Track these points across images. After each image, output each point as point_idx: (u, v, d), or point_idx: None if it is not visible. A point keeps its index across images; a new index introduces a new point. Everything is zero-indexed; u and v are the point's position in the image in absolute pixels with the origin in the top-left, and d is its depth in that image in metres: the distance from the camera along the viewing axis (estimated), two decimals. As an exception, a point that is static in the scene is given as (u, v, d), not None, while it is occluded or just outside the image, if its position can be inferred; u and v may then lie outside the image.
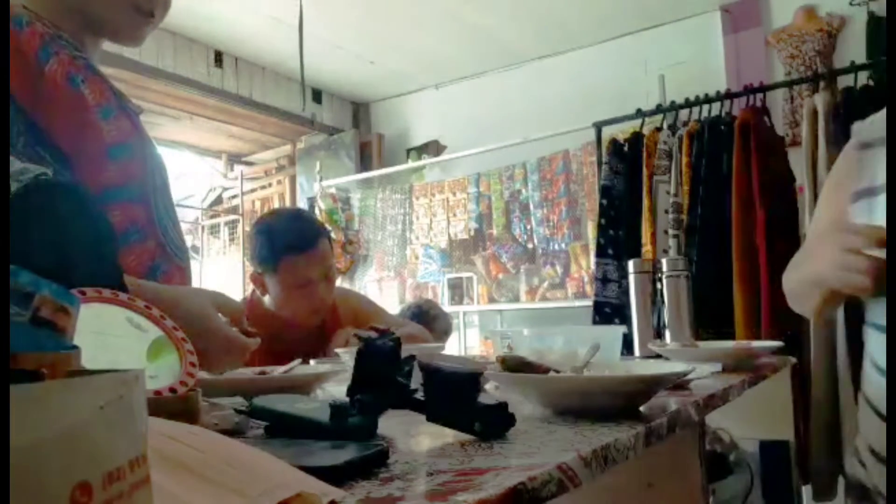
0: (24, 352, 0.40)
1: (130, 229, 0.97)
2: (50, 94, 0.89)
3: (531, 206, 4.03)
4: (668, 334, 1.65)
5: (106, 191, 0.94)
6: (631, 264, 1.79)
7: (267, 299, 1.56)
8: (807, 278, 1.06)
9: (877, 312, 1.02)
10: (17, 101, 0.86)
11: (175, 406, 0.59)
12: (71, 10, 1.01)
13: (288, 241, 1.52)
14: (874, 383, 1.04)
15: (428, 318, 2.67)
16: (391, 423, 0.73)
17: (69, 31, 0.98)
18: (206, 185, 5.62)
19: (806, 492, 2.11)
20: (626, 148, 2.64)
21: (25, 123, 0.87)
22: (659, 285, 1.70)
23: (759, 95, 2.50)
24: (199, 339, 0.68)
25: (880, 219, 0.99)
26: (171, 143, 4.82)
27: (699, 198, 2.37)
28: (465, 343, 4.16)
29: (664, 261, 1.72)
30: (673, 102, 2.68)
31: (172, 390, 0.61)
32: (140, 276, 0.93)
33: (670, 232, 2.42)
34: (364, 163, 4.83)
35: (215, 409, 0.74)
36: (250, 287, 1.72)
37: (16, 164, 0.63)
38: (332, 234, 3.17)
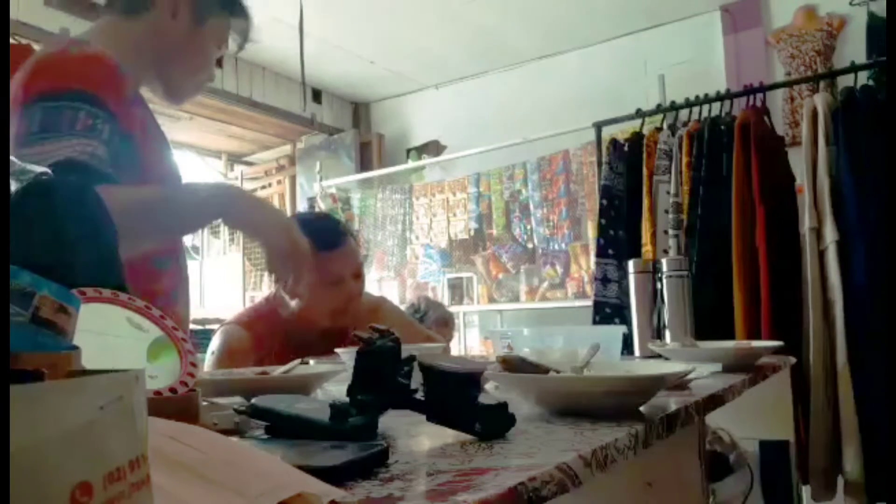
0: (24, 352, 0.40)
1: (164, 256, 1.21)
2: (130, 120, 1.12)
3: (531, 206, 4.03)
4: (668, 334, 1.65)
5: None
6: (631, 264, 1.79)
7: (294, 302, 1.56)
8: None
9: None
10: (109, 108, 1.06)
11: (175, 406, 0.59)
12: (147, 67, 1.22)
13: (316, 239, 1.52)
14: None
15: (420, 312, 2.69)
16: (391, 423, 0.73)
17: (144, 80, 1.23)
18: (206, 186, 5.60)
19: (806, 492, 2.11)
20: (626, 148, 2.64)
21: (112, 123, 1.05)
22: (659, 285, 1.70)
23: (759, 95, 2.50)
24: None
25: None
26: (171, 143, 4.81)
27: (699, 198, 2.37)
28: (465, 343, 4.16)
29: (664, 261, 1.72)
30: (673, 102, 2.68)
31: (172, 390, 0.61)
32: (175, 285, 1.20)
33: (670, 232, 2.42)
34: (364, 163, 4.83)
35: (215, 409, 0.74)
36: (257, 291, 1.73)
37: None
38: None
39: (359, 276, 1.57)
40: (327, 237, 1.53)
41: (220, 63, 1.34)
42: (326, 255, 1.50)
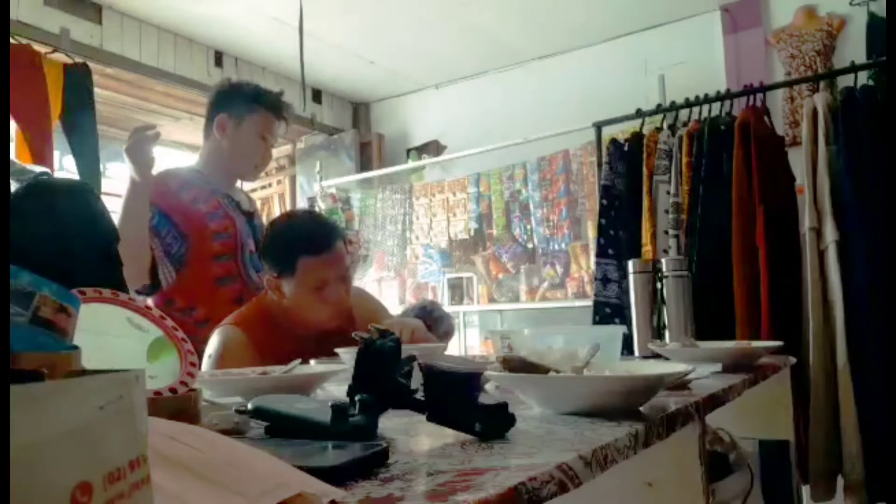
0: (24, 352, 0.40)
1: (226, 277, 1.75)
2: (182, 209, 1.74)
3: (531, 206, 4.03)
4: (667, 334, 1.65)
5: (213, 256, 1.76)
6: (631, 264, 1.79)
7: (284, 302, 1.55)
8: None
9: None
10: (161, 209, 1.70)
11: (175, 406, 0.59)
12: (219, 165, 1.90)
13: (305, 242, 1.52)
14: None
15: (431, 318, 2.67)
16: (391, 423, 0.73)
17: (216, 176, 1.88)
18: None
19: (806, 492, 2.11)
20: (626, 148, 2.64)
21: (163, 217, 1.70)
22: (659, 285, 1.70)
23: (759, 95, 2.50)
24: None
25: None
26: (171, 143, 4.81)
27: (699, 198, 2.37)
28: (465, 343, 4.15)
29: (664, 261, 1.72)
30: (673, 102, 2.68)
31: (172, 390, 0.61)
32: (229, 304, 1.70)
33: (670, 232, 2.42)
34: (364, 163, 4.83)
35: (215, 409, 0.74)
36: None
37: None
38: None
39: (344, 280, 1.56)
40: (315, 241, 1.52)
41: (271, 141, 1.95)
42: (311, 259, 1.50)
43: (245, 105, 1.89)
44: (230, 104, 1.90)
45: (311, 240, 1.53)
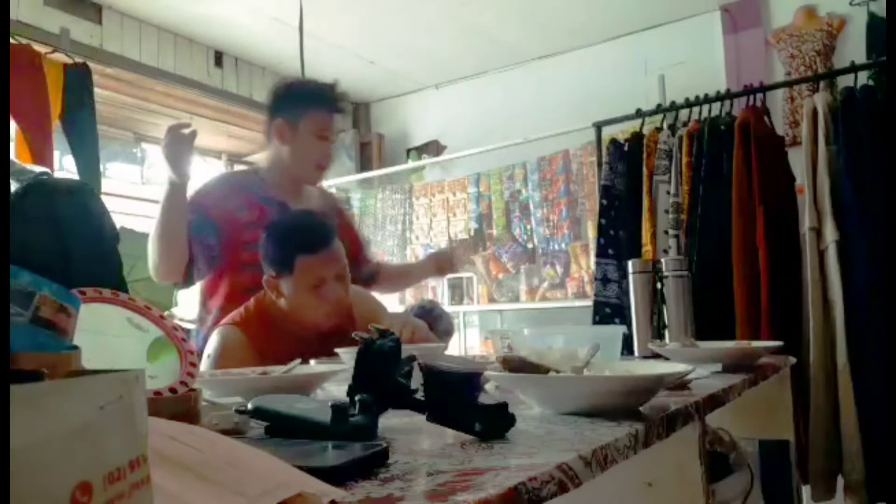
0: (24, 352, 0.40)
1: (254, 287, 1.61)
2: (223, 215, 1.76)
3: (531, 206, 4.03)
4: (667, 334, 1.65)
5: (243, 265, 1.73)
6: (631, 264, 1.79)
7: (282, 302, 1.55)
8: None
9: None
10: (203, 212, 1.74)
11: (175, 406, 0.59)
12: (281, 171, 1.88)
13: (302, 241, 1.52)
14: None
15: (431, 316, 2.67)
16: (391, 423, 0.73)
17: (277, 183, 1.87)
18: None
19: (806, 492, 2.11)
20: (626, 148, 2.64)
21: (203, 220, 1.73)
22: (659, 285, 1.70)
23: (759, 95, 2.50)
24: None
25: None
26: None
27: (699, 198, 2.37)
28: (465, 343, 4.15)
29: (664, 261, 1.72)
30: (673, 102, 2.68)
31: (172, 390, 0.61)
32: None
33: (670, 232, 2.42)
34: (364, 163, 4.83)
35: (215, 409, 0.74)
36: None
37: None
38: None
39: (342, 278, 1.55)
40: (312, 239, 1.52)
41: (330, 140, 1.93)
42: (307, 257, 1.49)
43: (299, 107, 1.85)
44: (285, 108, 1.87)
45: (307, 238, 1.52)
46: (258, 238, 1.64)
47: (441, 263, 2.19)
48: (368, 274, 2.10)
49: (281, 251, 1.52)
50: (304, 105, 1.86)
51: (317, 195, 2.02)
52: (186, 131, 1.56)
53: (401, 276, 2.34)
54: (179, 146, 1.56)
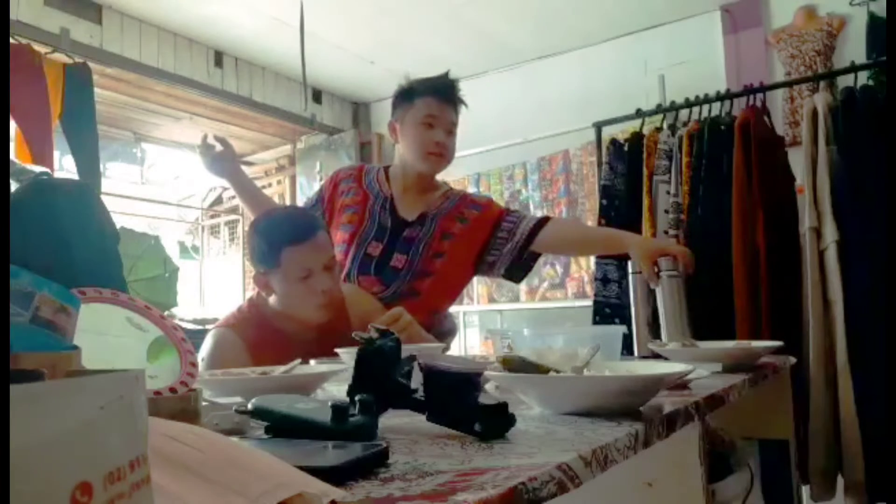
0: (24, 352, 0.40)
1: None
2: (331, 193, 1.96)
3: (531, 206, 4.03)
4: (663, 334, 1.65)
5: (334, 243, 1.78)
6: (631, 264, 1.79)
7: (273, 300, 1.54)
8: None
9: None
10: (324, 186, 2.00)
11: (175, 406, 0.59)
12: (401, 167, 1.92)
13: (286, 233, 1.51)
14: None
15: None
16: (391, 423, 0.73)
17: (396, 178, 1.92)
18: (206, 185, 5.62)
19: (806, 492, 2.11)
20: (626, 148, 2.64)
21: (320, 191, 1.99)
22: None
23: (759, 95, 2.50)
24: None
25: None
26: (171, 143, 4.82)
27: (699, 198, 2.37)
28: (465, 343, 4.15)
29: (663, 261, 1.72)
30: (673, 102, 2.68)
31: (172, 390, 0.61)
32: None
33: (670, 232, 2.42)
34: (364, 162, 4.83)
35: (215, 409, 0.74)
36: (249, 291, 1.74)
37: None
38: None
39: (330, 269, 1.53)
40: (297, 231, 1.51)
41: (442, 131, 1.91)
42: (293, 248, 1.49)
43: (405, 103, 1.89)
44: (395, 108, 1.92)
45: (292, 230, 1.51)
46: (352, 220, 1.84)
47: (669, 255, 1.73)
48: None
49: (267, 244, 1.51)
50: (409, 99, 1.89)
51: (450, 199, 1.92)
52: (217, 151, 1.78)
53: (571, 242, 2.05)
54: (215, 164, 1.78)
